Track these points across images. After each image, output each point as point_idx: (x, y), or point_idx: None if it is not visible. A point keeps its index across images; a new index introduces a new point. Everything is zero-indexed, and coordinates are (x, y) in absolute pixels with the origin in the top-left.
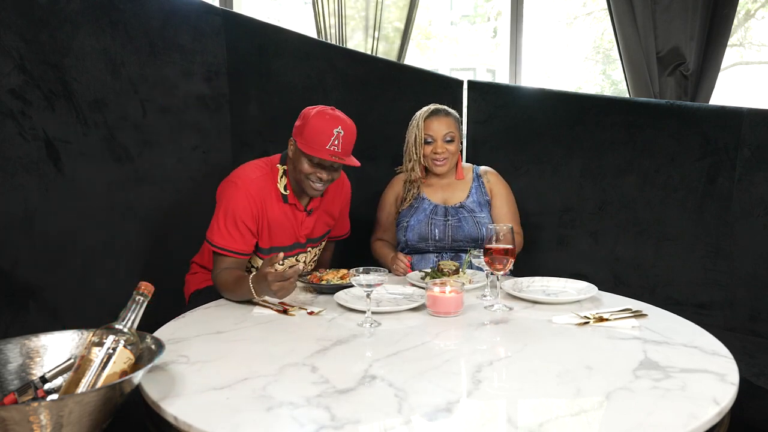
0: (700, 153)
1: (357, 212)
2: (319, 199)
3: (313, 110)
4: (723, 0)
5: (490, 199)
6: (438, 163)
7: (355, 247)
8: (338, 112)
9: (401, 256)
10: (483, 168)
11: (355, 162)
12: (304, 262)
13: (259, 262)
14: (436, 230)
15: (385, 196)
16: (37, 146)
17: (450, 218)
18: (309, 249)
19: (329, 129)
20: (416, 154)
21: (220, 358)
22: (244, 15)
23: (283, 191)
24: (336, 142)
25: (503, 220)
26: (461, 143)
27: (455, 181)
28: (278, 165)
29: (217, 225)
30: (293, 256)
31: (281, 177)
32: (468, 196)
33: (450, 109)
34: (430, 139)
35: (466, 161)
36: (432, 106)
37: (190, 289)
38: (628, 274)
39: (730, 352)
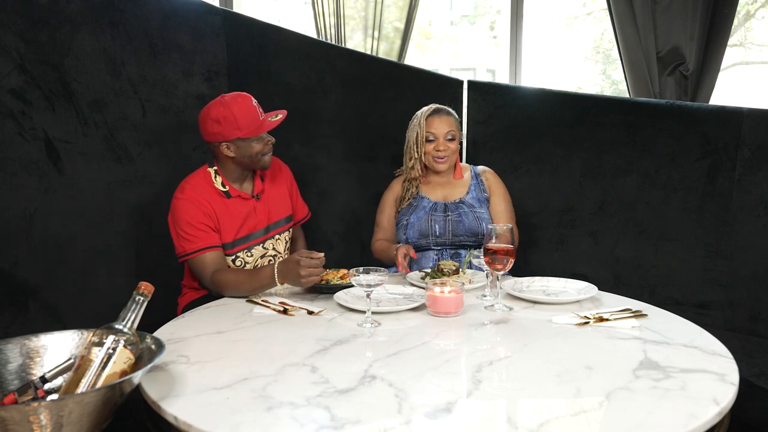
0: (700, 153)
1: (359, 212)
2: (261, 183)
3: (222, 106)
4: (723, 0)
5: (489, 197)
6: (439, 160)
7: (358, 247)
8: (237, 92)
9: (407, 249)
10: (481, 167)
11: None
12: (274, 249)
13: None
14: (437, 226)
15: (385, 198)
16: (37, 146)
17: (450, 213)
18: (276, 236)
19: (250, 104)
20: (417, 152)
21: (220, 358)
22: (244, 15)
23: (222, 188)
24: (260, 110)
25: (501, 217)
26: (460, 143)
27: (454, 180)
28: (208, 169)
29: (181, 238)
30: (259, 244)
31: (215, 177)
32: (467, 193)
33: (451, 109)
34: (431, 137)
35: (466, 161)
36: (433, 106)
37: (180, 309)
38: (628, 274)
39: (730, 352)
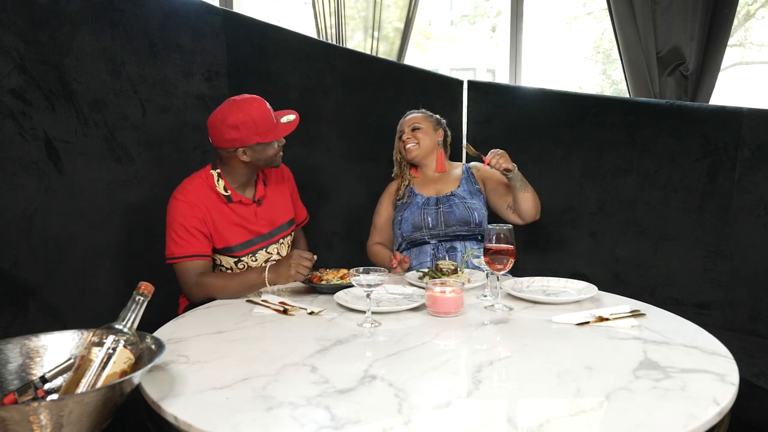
0: (700, 153)
1: (359, 212)
2: (263, 187)
3: (240, 112)
4: (723, 0)
5: (482, 187)
6: (408, 149)
7: (358, 247)
8: (247, 95)
9: (403, 257)
10: (472, 163)
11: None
12: (278, 254)
13: (225, 260)
14: (429, 218)
15: (381, 200)
16: (37, 146)
17: (441, 206)
18: (280, 240)
19: (266, 107)
20: (396, 153)
21: (220, 358)
22: (244, 15)
23: (224, 192)
24: (274, 113)
25: (499, 185)
26: (442, 140)
27: (444, 176)
28: (211, 171)
29: (171, 240)
30: (263, 249)
31: (218, 180)
32: (459, 186)
33: (421, 109)
34: (401, 134)
35: (465, 162)
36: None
37: (181, 308)
38: (628, 274)
39: (730, 352)
